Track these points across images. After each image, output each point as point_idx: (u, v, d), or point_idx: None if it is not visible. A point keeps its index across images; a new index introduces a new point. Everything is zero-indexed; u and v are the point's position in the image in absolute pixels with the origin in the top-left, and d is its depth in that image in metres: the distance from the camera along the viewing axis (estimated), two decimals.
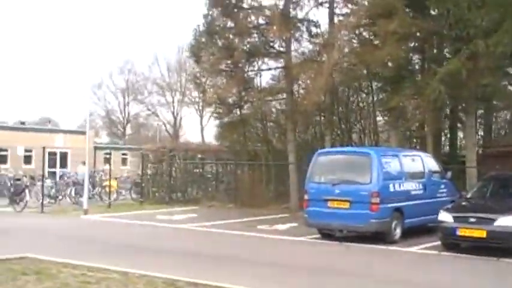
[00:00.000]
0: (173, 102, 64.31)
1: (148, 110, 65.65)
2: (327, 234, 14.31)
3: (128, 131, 69.77)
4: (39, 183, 22.84)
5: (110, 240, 13.95)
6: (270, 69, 23.11)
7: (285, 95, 22.96)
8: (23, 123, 47.87)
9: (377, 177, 13.46)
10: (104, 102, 67.23)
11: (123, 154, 49.13)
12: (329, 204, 13.76)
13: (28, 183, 21.74)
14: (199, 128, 63.13)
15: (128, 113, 67.62)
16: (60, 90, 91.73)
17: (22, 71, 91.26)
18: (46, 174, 32.11)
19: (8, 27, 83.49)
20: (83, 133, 48.96)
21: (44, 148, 21.31)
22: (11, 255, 10.37)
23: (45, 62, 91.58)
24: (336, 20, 20.79)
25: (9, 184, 22.72)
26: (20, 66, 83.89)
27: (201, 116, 63.64)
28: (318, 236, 14.54)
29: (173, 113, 64.75)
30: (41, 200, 20.90)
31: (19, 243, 13.11)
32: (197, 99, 63.23)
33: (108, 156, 46.01)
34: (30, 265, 9.60)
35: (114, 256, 11.22)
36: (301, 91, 23.22)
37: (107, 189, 24.30)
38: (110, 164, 24.02)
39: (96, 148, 44.04)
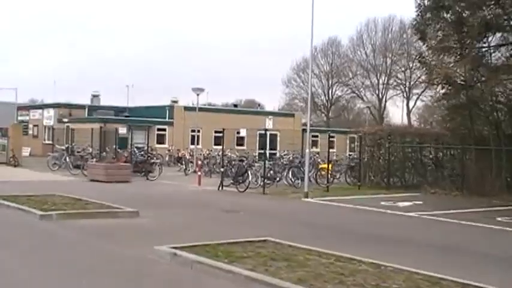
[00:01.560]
0: (378, 84, 62.89)
1: (353, 92, 64.94)
2: None
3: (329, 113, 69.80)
4: (256, 164, 23.28)
5: (341, 226, 13.38)
6: (504, 44, 20.85)
7: None
8: (235, 105, 50.12)
9: None
10: (308, 85, 67.94)
11: (330, 137, 48.97)
12: None
13: (249, 165, 22.07)
14: (405, 111, 61.11)
15: (332, 96, 67.52)
16: (261, 72, 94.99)
17: (227, 53, 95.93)
18: (256, 155, 33.20)
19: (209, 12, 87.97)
20: (291, 115, 50.11)
21: (265, 130, 21.65)
22: (253, 238, 10.18)
23: (250, 44, 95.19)
24: None
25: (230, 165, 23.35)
26: (224, 47, 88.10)
27: (408, 98, 61.47)
28: None
29: (378, 96, 63.33)
30: (259, 181, 21.30)
31: (253, 224, 13.07)
32: (403, 81, 61.36)
33: (316, 138, 46.31)
34: (274, 249, 9.27)
35: (354, 244, 10.58)
36: None
37: (322, 172, 24.01)
38: (329, 147, 23.48)
39: (304, 130, 44.29)
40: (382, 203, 17.76)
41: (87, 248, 9.58)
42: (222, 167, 22.22)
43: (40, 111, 49.33)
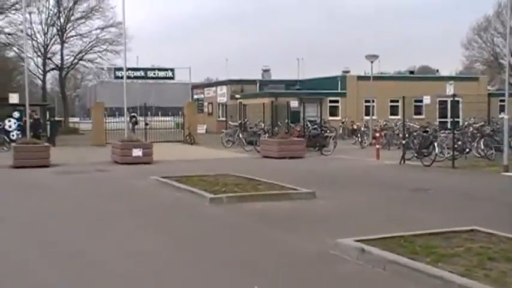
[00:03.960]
0: None
1: None
2: None
3: None
4: (442, 135, 20.89)
5: None
6: None
7: None
8: (411, 72, 47.05)
9: None
10: (491, 46, 62.21)
11: None
12: None
13: (433, 135, 19.70)
14: None
15: None
16: (434, 38, 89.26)
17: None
18: (437, 124, 30.39)
19: None
20: (475, 79, 45.82)
21: (453, 96, 19.24)
22: (454, 226, 8.23)
23: (420, 7, 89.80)
24: None
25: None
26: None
27: None
28: None
29: None
30: (446, 153, 19.03)
31: (448, 207, 11.09)
32: None
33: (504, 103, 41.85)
34: (487, 244, 7.26)
35: None
36: None
37: None
38: None
39: (490, 95, 40.16)
40: None
41: (259, 240, 8.33)
42: (404, 139, 20.06)
43: (214, 88, 50.26)
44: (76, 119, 68.88)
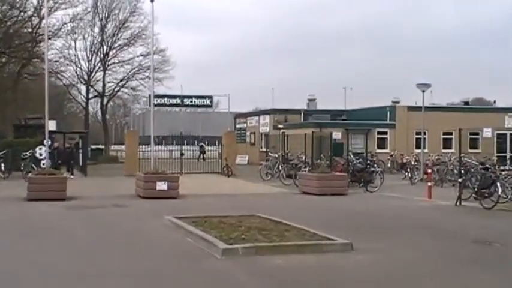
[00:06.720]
0: None
1: None
2: None
3: None
4: (503, 172, 18.33)
5: None
6: None
7: None
8: (466, 103, 44.26)
9: None
10: None
11: None
12: None
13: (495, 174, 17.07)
14: None
15: None
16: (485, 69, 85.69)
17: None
18: (495, 159, 27.60)
19: None
20: None
21: None
22: None
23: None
24: None
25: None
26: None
27: None
28: None
29: None
30: (510, 194, 16.48)
31: None
32: None
33: None
34: None
35: None
36: None
37: None
38: None
39: None
40: None
41: None
42: (460, 177, 17.55)
43: (256, 118, 48.46)
44: (123, 147, 68.33)
